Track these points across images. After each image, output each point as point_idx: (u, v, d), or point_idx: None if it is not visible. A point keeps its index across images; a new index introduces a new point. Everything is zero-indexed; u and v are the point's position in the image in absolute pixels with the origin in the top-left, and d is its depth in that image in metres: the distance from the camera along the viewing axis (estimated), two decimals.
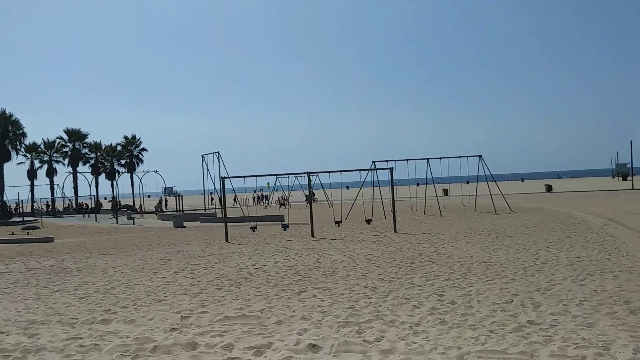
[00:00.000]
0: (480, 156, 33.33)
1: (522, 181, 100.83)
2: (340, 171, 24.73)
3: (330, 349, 6.55)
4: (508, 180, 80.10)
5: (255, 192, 64.73)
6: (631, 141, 62.31)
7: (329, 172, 24.82)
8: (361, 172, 27.65)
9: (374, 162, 32.02)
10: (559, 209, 31.06)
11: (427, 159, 33.23)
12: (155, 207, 52.52)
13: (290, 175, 31.99)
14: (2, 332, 7.95)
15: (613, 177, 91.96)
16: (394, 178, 24.78)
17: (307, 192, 57.89)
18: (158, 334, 7.58)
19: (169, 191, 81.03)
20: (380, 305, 8.95)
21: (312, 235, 22.18)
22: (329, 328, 7.61)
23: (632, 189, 54.26)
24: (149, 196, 75.96)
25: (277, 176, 29.00)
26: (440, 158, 33.19)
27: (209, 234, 25.75)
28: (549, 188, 60.24)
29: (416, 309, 8.58)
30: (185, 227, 31.73)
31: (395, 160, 30.16)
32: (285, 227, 24.49)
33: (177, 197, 49.18)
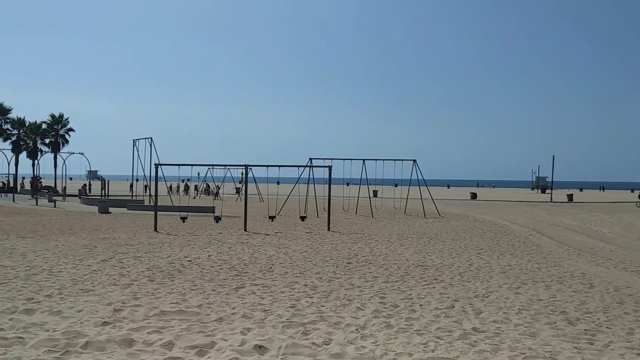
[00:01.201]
0: (414, 160, 33.86)
1: (448, 187, 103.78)
2: (279, 166, 24.42)
3: (278, 351, 6.27)
4: (434, 185, 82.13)
5: (183, 181, 63.32)
6: (553, 156, 65.33)
7: (267, 165, 24.44)
8: (299, 168, 27.43)
9: (310, 159, 31.89)
10: (484, 217, 31.98)
11: (363, 159, 33.45)
12: (79, 190, 50.18)
13: (227, 167, 31.18)
14: None
15: (532, 189, 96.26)
16: (330, 176, 24.69)
17: (238, 185, 57.22)
18: (89, 327, 7.05)
19: (92, 175, 77.92)
20: (322, 306, 8.75)
21: (245, 229, 21.75)
22: (273, 328, 7.33)
23: (551, 201, 56.84)
24: (71, 179, 72.63)
25: (212, 167, 28.22)
26: (376, 160, 33.46)
27: (136, 222, 24.77)
28: (473, 196, 62.20)
29: (360, 311, 8.44)
30: (110, 213, 30.45)
31: (332, 159, 30.16)
32: (217, 219, 23.92)
33: (103, 182, 47.18)
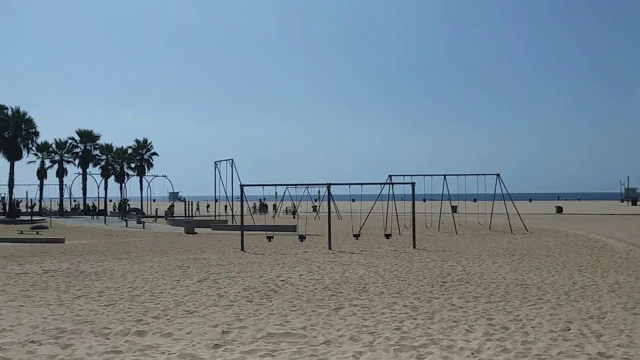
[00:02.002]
0: (498, 175, 32.88)
1: (530, 201, 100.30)
2: (361, 184, 24.30)
3: None
4: (515, 199, 79.60)
5: (260, 201, 64.33)
6: None
7: (349, 184, 24.37)
8: (382, 185, 27.21)
9: (390, 176, 31.64)
10: (575, 232, 30.54)
11: (444, 175, 32.82)
12: (165, 212, 52.00)
13: (308, 186, 31.41)
14: (33, 341, 7.46)
15: (622, 201, 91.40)
16: (414, 193, 24.34)
17: (315, 203, 57.54)
18: (202, 350, 7.09)
19: (174, 196, 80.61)
20: (429, 328, 8.46)
21: (330, 248, 21.70)
22: (384, 352, 7.12)
23: None
24: (154, 200, 75.46)
25: (295, 186, 28.48)
26: (458, 175, 32.78)
27: (222, 242, 25.26)
28: (559, 209, 59.69)
29: (470, 333, 8.09)
30: (196, 233, 31.24)
31: (412, 175, 29.75)
32: (302, 238, 24.01)
33: (187, 203, 48.66)
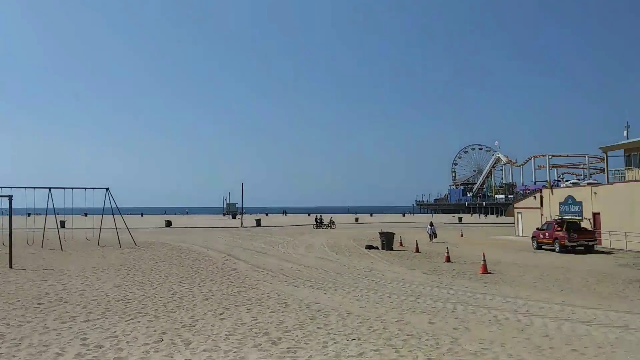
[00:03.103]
0: (107, 189, 32.30)
1: (142, 215, 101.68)
2: None
3: None
4: (127, 214, 79.67)
5: None
6: (242, 183, 69.55)
7: None
8: None
9: None
10: (181, 244, 32.20)
11: (49, 187, 30.59)
12: None
13: None
14: None
15: (224, 215, 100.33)
16: (11, 207, 21.99)
17: None
18: None
19: None
20: (14, 356, 7.71)
21: None
22: None
23: (242, 226, 60.11)
24: None
25: None
26: (65, 188, 30.94)
27: None
28: (168, 223, 62.13)
29: (60, 357, 7.68)
30: None
31: (11, 187, 26.87)
32: None
33: None
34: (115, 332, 9.39)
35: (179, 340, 8.72)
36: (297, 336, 9.07)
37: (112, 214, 32.06)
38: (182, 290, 14.42)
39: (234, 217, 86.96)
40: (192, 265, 20.99)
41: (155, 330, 9.49)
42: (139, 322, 10.27)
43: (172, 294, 13.77)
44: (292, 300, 12.81)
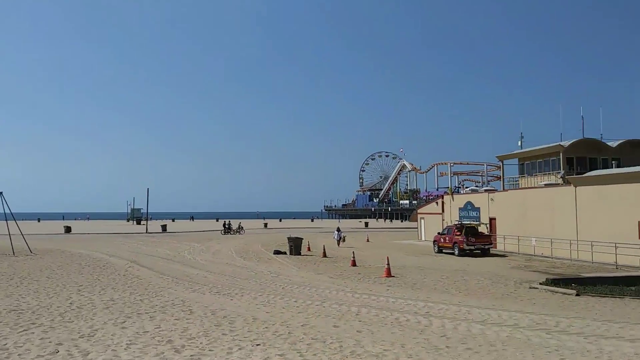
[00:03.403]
0: (0, 193, 30.39)
1: (39, 221, 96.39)
2: None
3: None
4: (23, 219, 75.24)
5: None
6: (148, 189, 67.25)
7: None
8: None
9: None
10: (82, 251, 30.83)
11: None
12: None
13: None
14: None
15: (128, 221, 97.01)
16: None
17: None
18: None
19: None
20: None
21: None
22: None
23: (147, 232, 58.32)
24: None
25: None
26: None
27: None
28: (68, 229, 59.20)
29: None
30: None
31: None
32: None
33: None
34: (6, 344, 8.86)
35: (75, 351, 8.37)
36: (201, 343, 8.96)
37: (6, 220, 30.25)
38: (81, 299, 13.83)
39: (138, 223, 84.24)
40: (92, 272, 20.17)
41: (50, 342, 9.04)
42: (33, 333, 9.76)
43: (70, 303, 13.18)
44: (197, 307, 12.62)
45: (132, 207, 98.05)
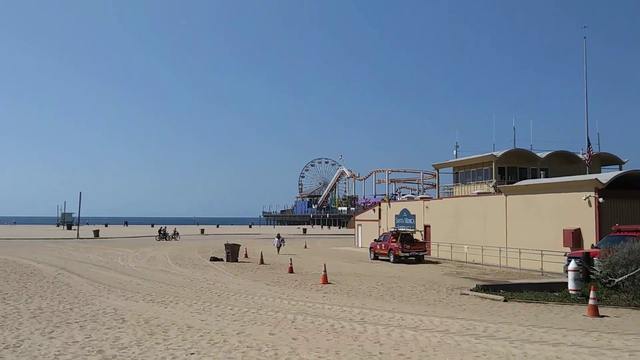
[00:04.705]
0: None
1: None
2: None
3: None
4: None
5: None
6: (80, 192, 65.10)
7: None
8: None
9: None
10: (7, 257, 29.56)
11: None
12: None
13: None
14: None
15: (58, 226, 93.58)
16: None
17: None
18: None
19: None
20: None
21: None
22: None
23: (78, 237, 56.43)
24: None
25: None
26: None
27: None
28: None
29: None
30: None
31: None
32: None
33: None
34: None
35: None
36: (133, 353, 8.78)
37: None
38: (7, 308, 13.27)
39: (69, 228, 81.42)
40: (18, 280, 19.37)
41: None
42: None
43: None
44: (129, 316, 12.35)
45: (63, 211, 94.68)
